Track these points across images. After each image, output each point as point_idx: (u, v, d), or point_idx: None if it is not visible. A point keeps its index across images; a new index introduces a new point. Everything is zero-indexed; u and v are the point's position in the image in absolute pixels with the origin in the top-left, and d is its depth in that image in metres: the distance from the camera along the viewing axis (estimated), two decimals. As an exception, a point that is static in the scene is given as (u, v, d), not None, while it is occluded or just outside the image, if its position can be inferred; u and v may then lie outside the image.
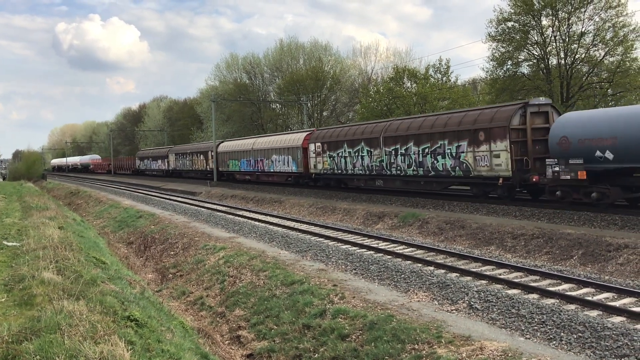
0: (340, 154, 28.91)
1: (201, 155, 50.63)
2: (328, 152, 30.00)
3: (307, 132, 34.25)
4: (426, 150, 22.78)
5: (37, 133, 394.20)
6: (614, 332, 8.14)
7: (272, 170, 37.15)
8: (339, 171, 29.18)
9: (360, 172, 27.38)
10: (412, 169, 23.67)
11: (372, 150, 26.29)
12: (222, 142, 47.67)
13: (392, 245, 16.59)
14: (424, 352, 8.26)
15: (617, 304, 10.01)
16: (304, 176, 33.35)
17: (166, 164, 61.12)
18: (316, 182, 32.71)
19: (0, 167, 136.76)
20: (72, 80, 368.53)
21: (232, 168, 43.93)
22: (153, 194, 41.78)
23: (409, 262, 14.04)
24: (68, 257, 10.65)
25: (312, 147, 31.80)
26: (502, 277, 12.12)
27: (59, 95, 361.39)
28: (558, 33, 33.78)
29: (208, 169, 48.59)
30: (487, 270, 12.98)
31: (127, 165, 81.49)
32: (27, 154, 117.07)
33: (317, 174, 31.68)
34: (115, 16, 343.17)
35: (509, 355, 7.66)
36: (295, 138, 34.70)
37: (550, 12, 33.54)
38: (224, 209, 28.89)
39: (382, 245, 16.56)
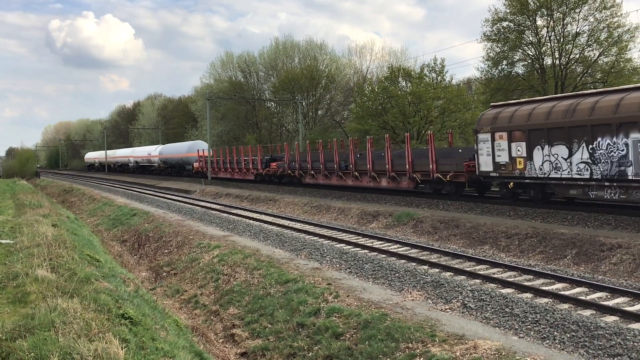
0: None
1: None
2: None
3: None
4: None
5: (30, 130, 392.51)
6: (607, 332, 8.18)
7: None
8: None
9: None
10: None
11: None
12: None
13: (387, 244, 16.60)
14: (418, 350, 8.27)
15: (610, 303, 10.07)
16: None
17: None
18: None
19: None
20: (66, 77, 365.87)
21: None
22: (147, 192, 41.64)
23: (403, 261, 14.07)
24: (62, 255, 10.61)
25: None
26: (495, 276, 12.16)
27: (52, 93, 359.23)
28: (553, 33, 33.94)
29: None
30: (481, 269, 13.02)
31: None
32: (20, 151, 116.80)
33: None
34: (109, 13, 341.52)
35: (503, 354, 7.69)
36: None
37: (545, 12, 33.71)
38: (218, 207, 28.84)
39: (376, 244, 16.57)
